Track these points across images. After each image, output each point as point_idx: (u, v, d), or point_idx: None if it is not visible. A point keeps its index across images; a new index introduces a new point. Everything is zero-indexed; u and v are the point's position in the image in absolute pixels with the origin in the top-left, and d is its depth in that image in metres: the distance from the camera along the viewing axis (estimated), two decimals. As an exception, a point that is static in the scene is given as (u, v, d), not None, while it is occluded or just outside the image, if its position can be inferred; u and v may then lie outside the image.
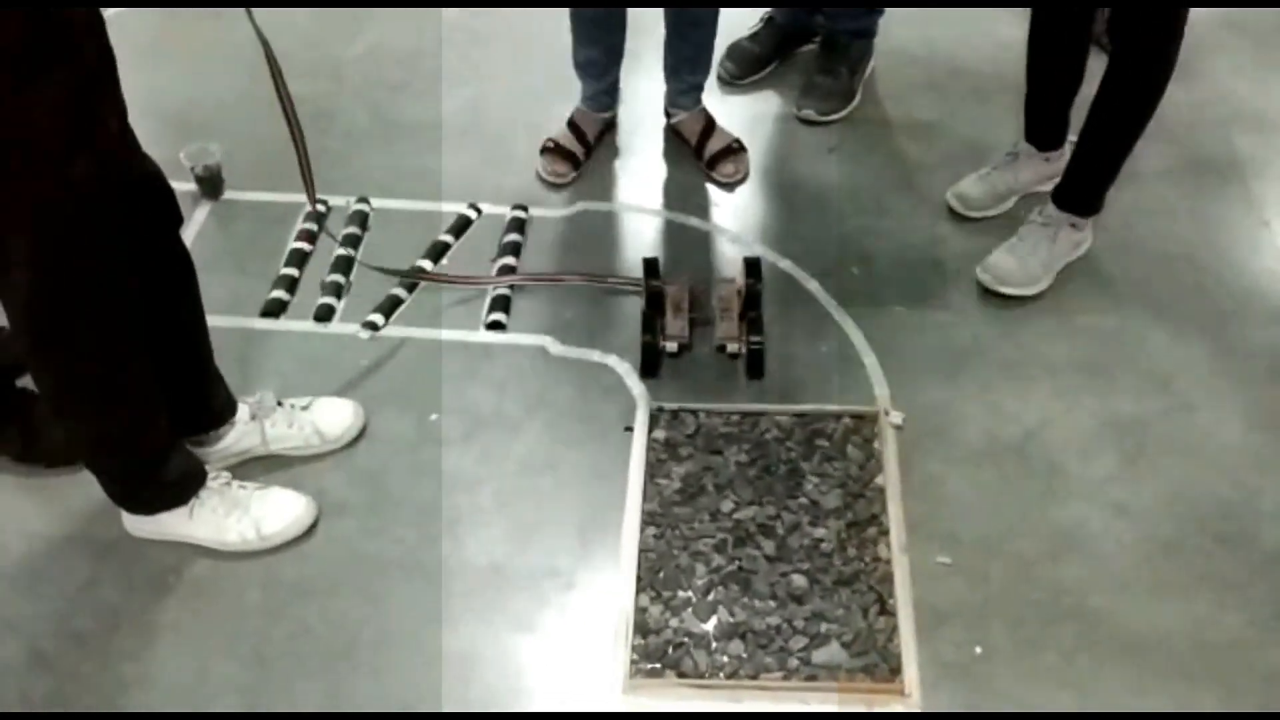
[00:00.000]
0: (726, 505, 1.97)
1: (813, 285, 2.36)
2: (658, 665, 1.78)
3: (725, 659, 1.78)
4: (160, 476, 1.84)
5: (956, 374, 2.19)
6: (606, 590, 1.88)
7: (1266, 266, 2.36)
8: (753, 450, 2.05)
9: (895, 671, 1.77)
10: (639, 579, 1.88)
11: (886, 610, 1.83)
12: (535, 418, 2.12)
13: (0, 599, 1.87)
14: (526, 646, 1.81)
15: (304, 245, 2.42)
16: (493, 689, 1.76)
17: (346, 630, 1.83)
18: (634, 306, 2.29)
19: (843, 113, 2.67)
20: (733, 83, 2.77)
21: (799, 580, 1.87)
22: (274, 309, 2.31)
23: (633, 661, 1.78)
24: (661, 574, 1.89)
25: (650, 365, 2.16)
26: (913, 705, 1.73)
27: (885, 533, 1.93)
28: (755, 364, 2.15)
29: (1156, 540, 1.93)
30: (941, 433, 2.09)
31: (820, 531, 1.94)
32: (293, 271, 2.37)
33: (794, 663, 1.78)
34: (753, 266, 2.21)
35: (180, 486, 1.87)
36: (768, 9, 2.82)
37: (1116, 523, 1.96)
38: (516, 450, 2.07)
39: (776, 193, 2.56)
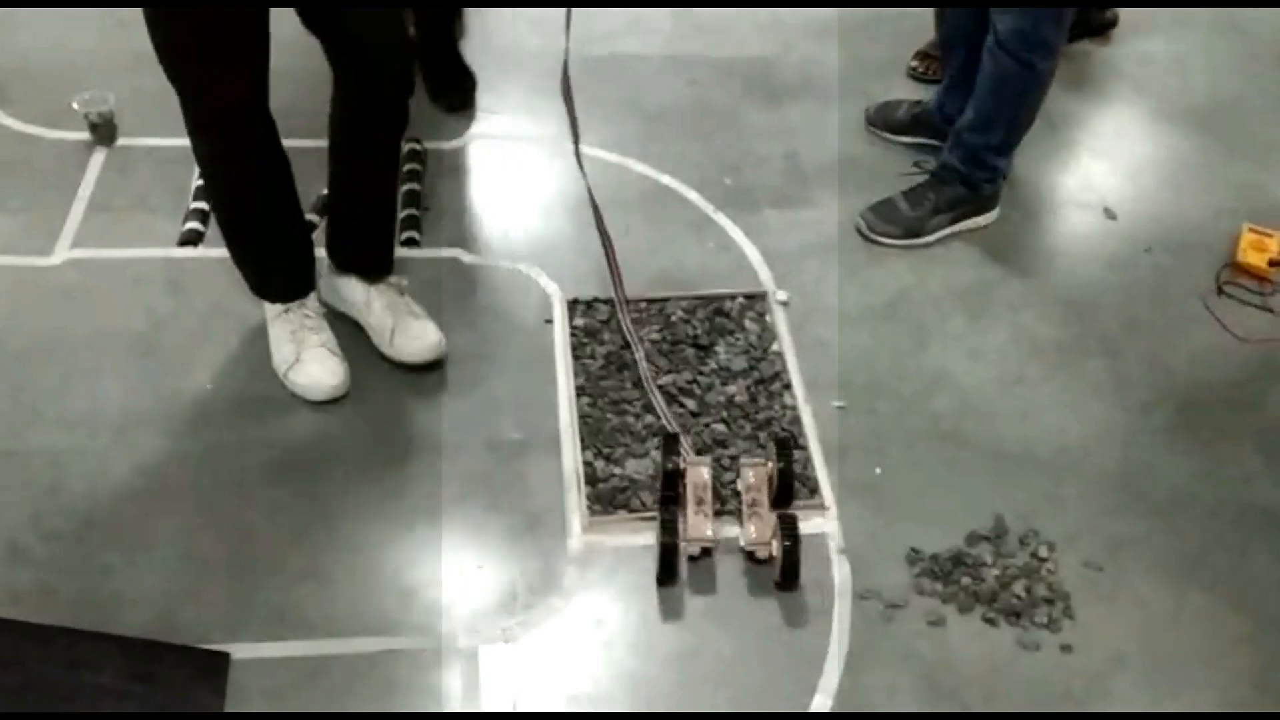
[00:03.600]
0: (649, 373, 2.21)
1: (692, 195, 2.63)
2: (610, 507, 2.00)
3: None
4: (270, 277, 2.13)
5: (826, 259, 2.50)
6: (554, 452, 2.08)
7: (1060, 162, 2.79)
8: (663, 329, 2.30)
9: (814, 492, 2.05)
10: (581, 440, 2.09)
11: (799, 445, 2.11)
12: (459, 319, 2.29)
13: None
14: (480, 511, 1.99)
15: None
16: (458, 546, 1.94)
17: (321, 503, 1.98)
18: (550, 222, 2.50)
19: (897, 242, 2.51)
20: (871, 127, 2.79)
21: (720, 428, 2.13)
22: (191, 238, 2.41)
23: (588, 506, 2.00)
24: (600, 434, 2.11)
25: (668, 571, 1.88)
26: (831, 517, 2.02)
27: (788, 386, 2.22)
28: (789, 575, 1.87)
29: (1008, 375, 2.29)
30: (821, 306, 2.40)
31: (732, 389, 2.20)
32: (202, 205, 2.46)
33: (726, 493, 2.03)
34: (784, 447, 1.98)
35: (279, 291, 2.13)
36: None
37: (974, 364, 2.31)
38: (450, 345, 2.23)
39: (651, 116, 2.81)
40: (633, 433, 2.11)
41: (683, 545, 1.91)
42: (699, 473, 1.98)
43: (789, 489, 1.97)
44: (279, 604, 1.85)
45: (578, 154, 2.11)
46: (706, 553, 1.93)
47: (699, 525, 1.92)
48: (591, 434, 2.11)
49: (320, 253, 2.21)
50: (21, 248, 2.36)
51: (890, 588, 1.93)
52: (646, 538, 1.95)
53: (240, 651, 1.78)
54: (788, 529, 1.88)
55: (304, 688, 1.75)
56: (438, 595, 1.88)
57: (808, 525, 1.99)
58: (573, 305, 2.34)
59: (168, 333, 2.22)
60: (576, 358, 2.24)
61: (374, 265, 2.19)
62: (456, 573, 1.91)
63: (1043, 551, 1.99)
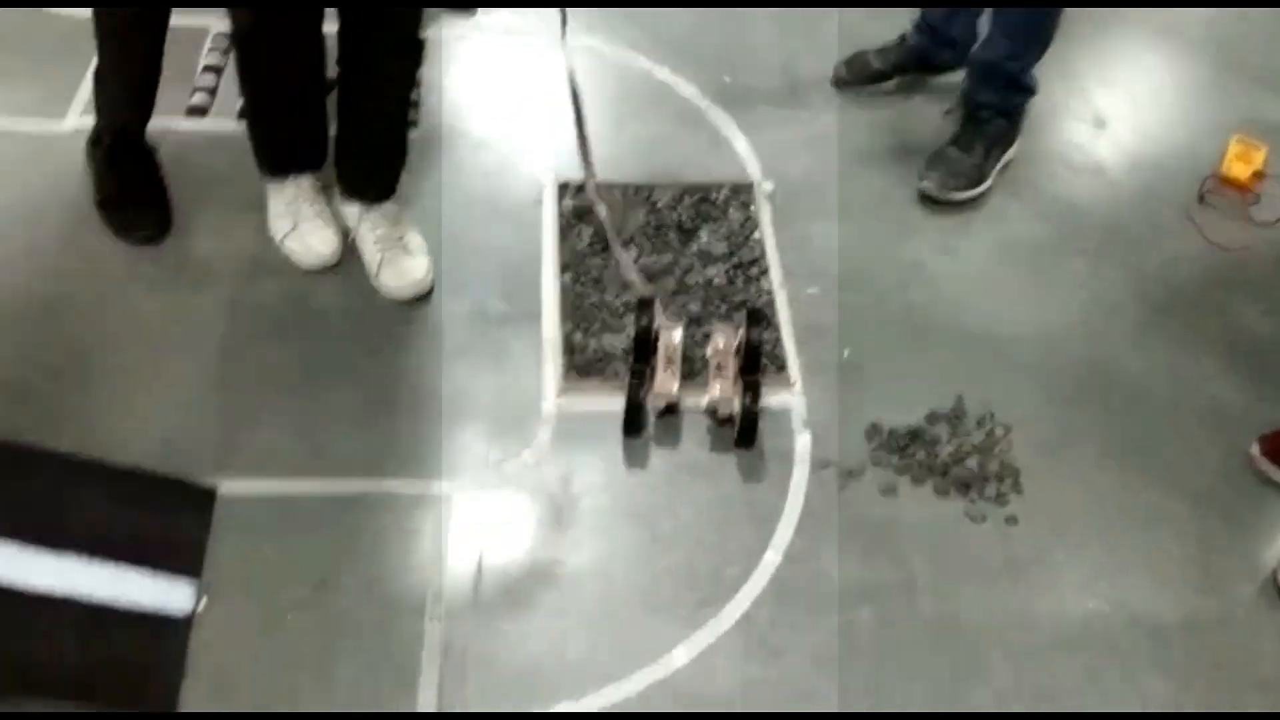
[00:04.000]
0: (631, 253, 2.29)
1: (690, 89, 2.69)
2: (585, 375, 2.09)
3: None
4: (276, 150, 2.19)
5: (814, 156, 2.55)
6: (535, 323, 2.17)
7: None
8: (649, 214, 2.38)
9: (781, 369, 2.13)
10: (562, 313, 2.18)
11: (771, 325, 2.19)
12: (453, 200, 2.37)
13: None
14: (463, 373, 2.09)
15: (218, 62, 2.60)
16: (438, 404, 2.04)
17: (310, 359, 2.08)
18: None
19: (968, 194, 2.45)
20: (840, 86, 2.67)
21: (695, 307, 2.21)
22: (199, 109, 2.50)
23: (564, 373, 2.09)
24: (580, 309, 2.20)
25: (633, 423, 1.98)
26: (797, 393, 2.10)
27: (765, 272, 2.29)
28: (747, 433, 1.96)
29: (985, 272, 2.36)
30: (805, 198, 2.46)
31: (711, 271, 2.28)
32: (209, 82, 2.54)
33: (698, 365, 2.12)
34: (755, 318, 2.02)
35: (284, 165, 2.19)
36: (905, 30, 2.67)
37: (951, 260, 2.37)
38: (443, 224, 2.31)
39: (657, 14, 2.86)
40: (611, 309, 2.20)
41: (649, 399, 1.99)
42: (670, 335, 2.05)
43: (756, 358, 2.01)
44: (265, 446, 1.96)
45: (563, 25, 2.10)
46: (671, 410, 2.02)
47: (666, 383, 2.00)
48: (572, 308, 2.20)
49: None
50: (34, 112, 2.45)
51: (848, 459, 2.02)
52: (618, 404, 2.04)
53: (226, 488, 1.89)
54: (750, 390, 1.96)
55: (282, 524, 1.87)
56: (415, 447, 1.98)
57: (774, 400, 2.08)
58: (562, 189, 2.42)
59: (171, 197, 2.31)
60: (563, 238, 2.32)
61: (374, 193, 2.22)
62: (435, 428, 2.01)
63: (998, 432, 2.07)
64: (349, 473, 1.94)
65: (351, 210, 2.25)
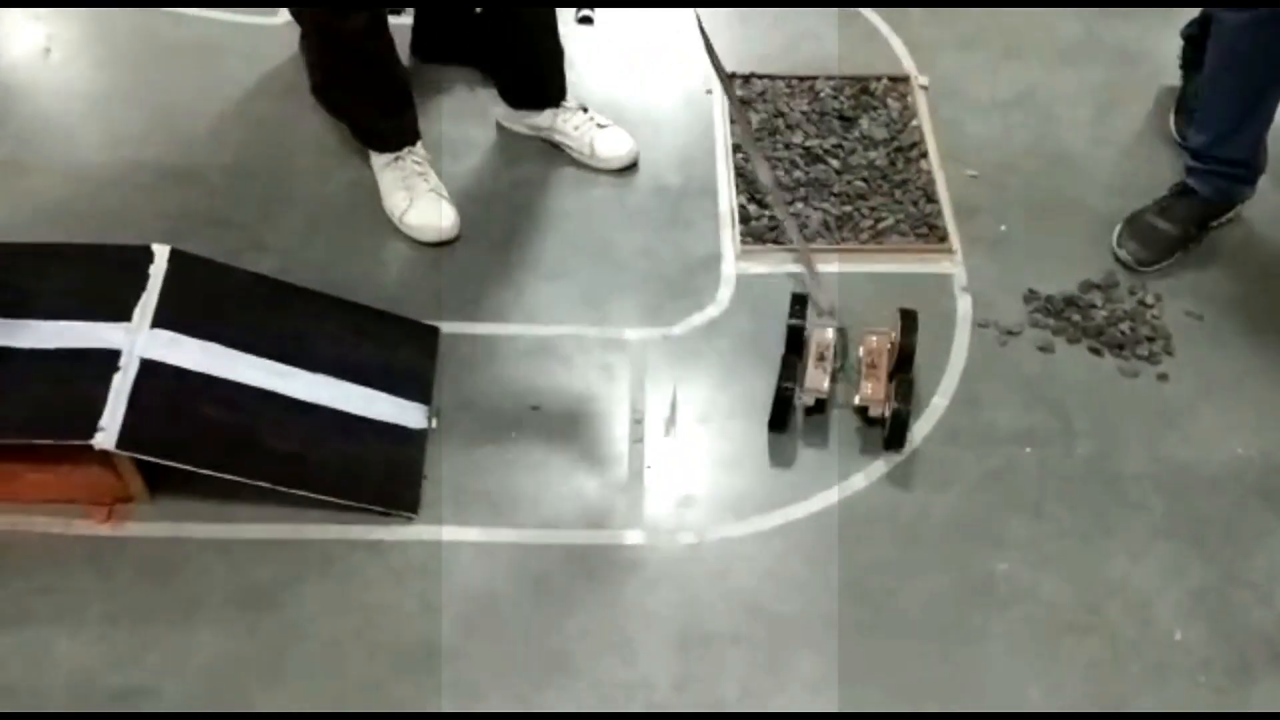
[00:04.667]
0: (798, 137, 2.47)
1: (843, -9, 2.85)
2: (760, 241, 2.28)
3: (811, 233, 2.29)
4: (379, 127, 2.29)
5: (967, 51, 2.70)
6: (711, 196, 2.36)
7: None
8: (813, 102, 2.55)
9: (943, 239, 2.30)
10: (736, 187, 2.37)
11: (932, 200, 2.35)
12: (630, 88, 2.56)
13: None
14: (648, 236, 2.29)
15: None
16: (628, 263, 2.24)
17: (516, 221, 2.30)
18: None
19: (1160, 265, 2.26)
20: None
21: (860, 184, 2.38)
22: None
23: (741, 240, 2.28)
24: (753, 184, 2.38)
25: (780, 418, 1.97)
26: (957, 261, 2.27)
27: (925, 155, 2.45)
28: (897, 434, 1.94)
29: (1129, 157, 2.49)
30: (959, 92, 2.61)
31: (874, 154, 2.45)
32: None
33: (864, 236, 2.29)
34: (909, 320, 2.02)
35: (387, 140, 2.29)
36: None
37: (1098, 149, 2.51)
38: (626, 110, 2.51)
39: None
40: (781, 184, 2.38)
41: (798, 395, 1.97)
42: (824, 332, 2.06)
43: (909, 360, 2.00)
44: (479, 296, 2.18)
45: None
46: (820, 407, 2.01)
47: (816, 379, 1.98)
48: (745, 183, 2.38)
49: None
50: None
51: (1007, 320, 2.18)
52: (790, 266, 2.23)
53: (447, 328, 2.12)
54: (902, 390, 1.95)
55: (496, 360, 2.09)
56: (609, 299, 2.19)
57: (936, 267, 2.25)
58: (730, 78, 2.59)
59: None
60: (733, 122, 2.50)
61: (556, 94, 2.39)
62: (627, 284, 2.21)
63: (1149, 299, 2.21)
64: (549, 319, 2.15)
65: (540, 120, 2.41)
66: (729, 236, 2.30)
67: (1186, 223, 2.27)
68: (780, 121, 2.50)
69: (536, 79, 2.39)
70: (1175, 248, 2.27)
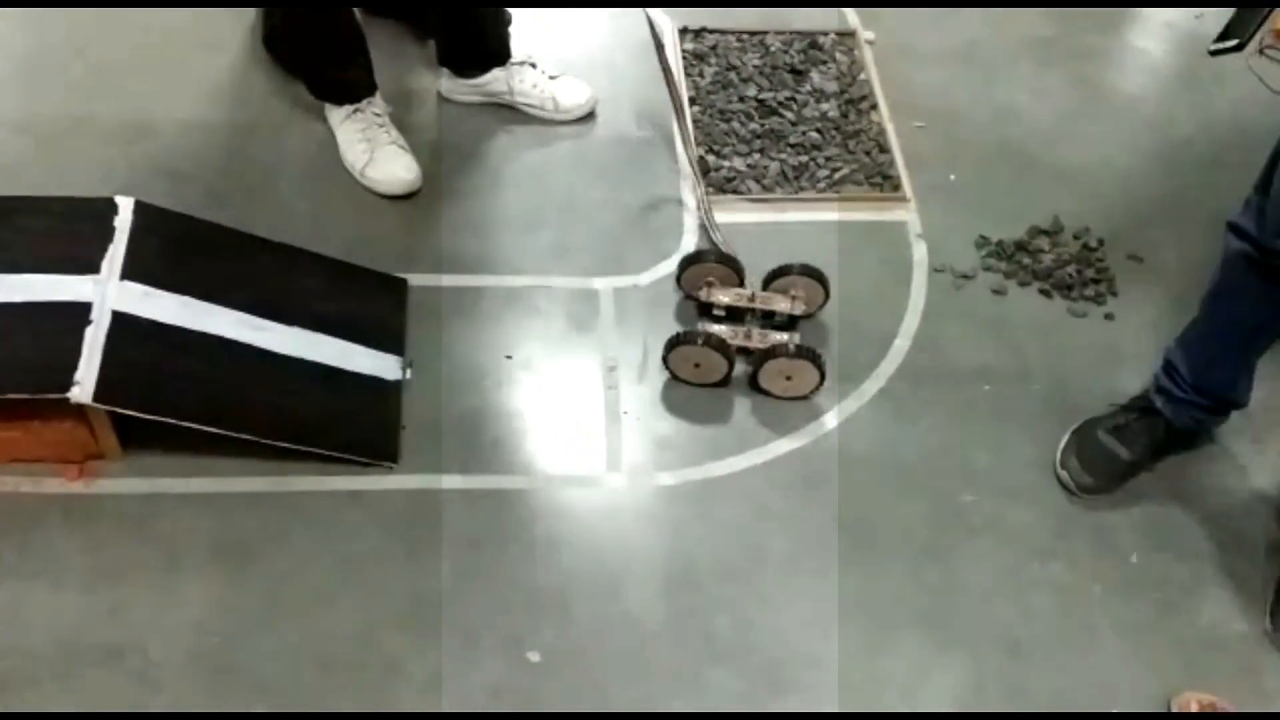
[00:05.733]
0: (751, 90, 2.50)
1: (786, -51, 2.88)
2: (721, 191, 2.32)
3: (770, 183, 2.33)
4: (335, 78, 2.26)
5: (909, 8, 2.76)
6: (670, 148, 2.39)
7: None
8: (764, 56, 2.59)
9: (896, 188, 2.36)
10: (695, 139, 2.40)
11: (884, 150, 2.41)
12: (582, 44, 2.57)
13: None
14: (611, 188, 2.31)
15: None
16: (594, 212, 2.26)
17: (474, 179, 2.30)
18: None
19: (1104, 494, 1.93)
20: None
21: (815, 135, 2.43)
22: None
23: (706, 192, 2.31)
24: (711, 135, 2.41)
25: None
26: (911, 209, 2.33)
27: (874, 107, 2.51)
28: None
29: (1069, 111, 2.58)
30: (904, 47, 2.67)
31: (825, 106, 2.50)
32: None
33: (821, 185, 2.34)
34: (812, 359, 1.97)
35: (344, 92, 2.26)
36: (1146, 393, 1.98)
37: (1038, 100, 2.60)
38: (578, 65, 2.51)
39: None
40: (739, 136, 2.41)
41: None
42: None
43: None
44: (445, 248, 2.18)
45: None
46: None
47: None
48: (704, 135, 2.41)
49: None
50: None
51: (960, 264, 2.26)
52: (750, 216, 2.27)
53: (415, 280, 2.12)
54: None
55: (467, 309, 2.09)
56: (576, 250, 2.20)
57: (892, 215, 2.31)
58: (682, 33, 2.62)
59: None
60: (688, 75, 2.53)
61: (504, 54, 2.37)
62: (593, 234, 2.23)
63: (1093, 243, 2.30)
64: (517, 270, 2.16)
65: (488, 83, 2.38)
66: (690, 187, 2.33)
67: (1143, 449, 1.93)
68: (734, 75, 2.54)
69: (478, 38, 2.36)
70: (1125, 476, 1.93)
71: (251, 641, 1.68)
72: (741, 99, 2.49)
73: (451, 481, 1.87)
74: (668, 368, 2.01)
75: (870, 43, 2.66)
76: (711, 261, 2.10)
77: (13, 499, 1.79)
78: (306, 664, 1.67)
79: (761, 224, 2.28)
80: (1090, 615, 1.81)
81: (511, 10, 2.40)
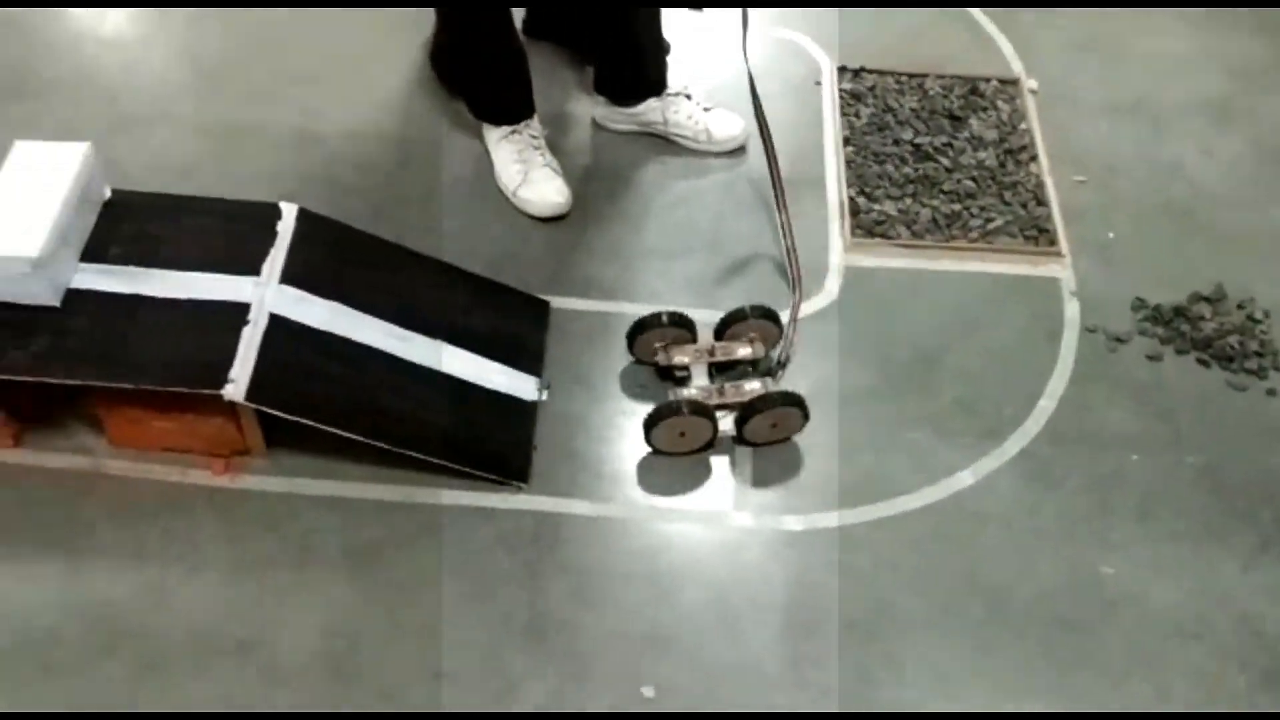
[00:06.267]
0: (907, 134, 2.47)
1: (950, -9, 2.84)
2: (870, 234, 2.28)
3: (921, 230, 2.29)
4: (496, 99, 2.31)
5: (1076, 56, 2.69)
6: (820, 188, 2.37)
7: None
8: (922, 100, 2.54)
9: (1052, 242, 2.29)
10: (846, 179, 2.37)
11: (1041, 203, 2.35)
12: (732, 75, 2.56)
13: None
14: (756, 225, 2.29)
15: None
16: (735, 248, 2.25)
17: (620, 206, 2.31)
18: None
19: None
20: None
21: (970, 184, 2.38)
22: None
23: (851, 232, 2.28)
24: (862, 176, 2.38)
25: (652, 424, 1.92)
26: (1066, 265, 2.26)
27: (1034, 158, 2.45)
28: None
29: (1241, 174, 2.47)
30: (1069, 97, 2.60)
31: (983, 154, 2.44)
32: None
33: (974, 235, 2.29)
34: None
35: (504, 113, 2.30)
36: None
37: (1208, 160, 2.49)
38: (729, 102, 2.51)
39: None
40: (892, 179, 2.38)
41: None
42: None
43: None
44: (589, 273, 2.20)
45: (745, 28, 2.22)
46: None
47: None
48: (856, 176, 2.38)
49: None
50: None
51: (1114, 326, 2.17)
52: (898, 262, 2.23)
53: (556, 302, 2.14)
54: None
55: (606, 335, 2.10)
56: (716, 283, 2.20)
57: (1044, 269, 2.25)
58: (841, 71, 2.60)
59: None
60: (843, 114, 2.50)
61: (662, 84, 2.39)
62: (736, 268, 2.22)
63: (1258, 314, 2.20)
64: (657, 300, 2.16)
65: (643, 113, 2.39)
66: (837, 228, 2.30)
67: None
68: (890, 117, 2.50)
69: (637, 68, 2.38)
70: None
71: (375, 647, 1.71)
72: (897, 142, 2.45)
73: (579, 507, 1.88)
74: (652, 445, 1.93)
75: (1034, 92, 2.60)
76: (662, 325, 2.02)
77: (161, 486, 1.85)
78: (427, 674, 1.68)
79: (909, 270, 2.24)
80: (1235, 707, 1.72)
81: (670, 39, 2.42)
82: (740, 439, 1.95)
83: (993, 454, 1.99)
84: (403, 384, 1.90)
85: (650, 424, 1.91)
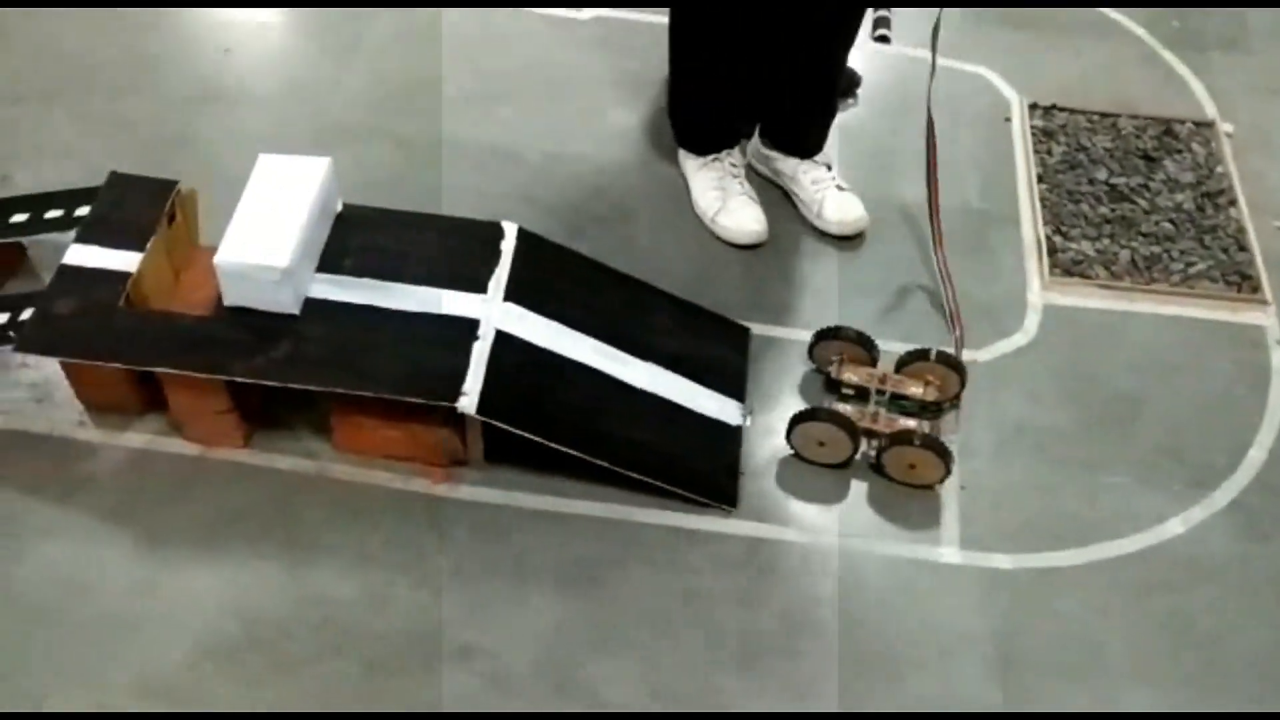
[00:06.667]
0: (1101, 173, 2.45)
1: (1140, 31, 2.81)
2: (1068, 273, 2.27)
3: (1120, 271, 2.27)
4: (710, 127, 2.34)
5: (1272, 100, 2.65)
6: (1013, 223, 2.36)
7: None
8: (1115, 139, 2.53)
9: (1255, 290, 2.26)
10: (1042, 217, 2.36)
11: (1244, 249, 2.32)
12: (920, 107, 2.57)
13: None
14: (953, 259, 2.29)
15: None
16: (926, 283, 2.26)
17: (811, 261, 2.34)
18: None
19: None
20: None
21: (1168, 226, 2.36)
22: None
23: (1050, 271, 2.27)
24: (1058, 215, 2.37)
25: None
26: (1270, 313, 2.23)
27: (1233, 202, 2.41)
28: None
29: None
30: (1264, 142, 2.56)
31: (1180, 197, 2.42)
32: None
33: (1175, 279, 2.27)
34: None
35: (711, 143, 2.34)
36: None
37: None
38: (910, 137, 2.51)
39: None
40: (1088, 219, 2.36)
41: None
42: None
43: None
44: (784, 301, 2.22)
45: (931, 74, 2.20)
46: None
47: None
48: (1051, 214, 2.37)
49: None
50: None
51: (1324, 378, 2.14)
52: (1096, 302, 2.22)
53: (756, 329, 2.16)
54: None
55: (803, 365, 2.12)
56: (915, 318, 2.20)
57: (1249, 317, 2.21)
58: (1032, 108, 2.59)
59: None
60: (1035, 151, 2.50)
61: (811, 150, 2.34)
62: (929, 304, 2.23)
63: None
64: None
65: (784, 166, 2.36)
66: (1034, 266, 2.29)
67: None
68: (1083, 156, 2.49)
69: (799, 127, 2.35)
70: None
71: (592, 661, 1.74)
72: (1091, 181, 2.44)
73: (787, 534, 1.90)
74: (790, 444, 1.97)
75: (1229, 135, 2.56)
76: (846, 339, 2.05)
77: (383, 492, 1.91)
78: (642, 691, 1.71)
79: (1107, 311, 2.23)
80: None
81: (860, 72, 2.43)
82: (878, 468, 1.96)
83: (1201, 504, 1.96)
84: (618, 403, 1.94)
85: (793, 423, 1.94)
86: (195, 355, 1.80)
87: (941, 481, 1.95)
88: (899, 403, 2.01)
